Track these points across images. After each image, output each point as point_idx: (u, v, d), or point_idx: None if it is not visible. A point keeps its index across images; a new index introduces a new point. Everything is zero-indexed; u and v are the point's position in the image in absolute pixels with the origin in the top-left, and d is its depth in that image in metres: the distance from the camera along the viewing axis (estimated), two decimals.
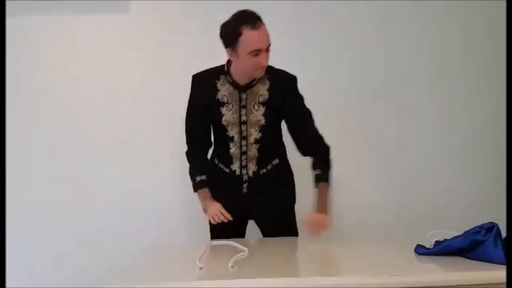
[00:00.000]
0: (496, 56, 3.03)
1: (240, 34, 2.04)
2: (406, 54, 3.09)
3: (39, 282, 2.88)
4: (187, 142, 2.37)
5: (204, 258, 1.78)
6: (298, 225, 2.36)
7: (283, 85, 2.25)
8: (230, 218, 2.23)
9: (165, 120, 2.97)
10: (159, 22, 2.97)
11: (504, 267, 1.55)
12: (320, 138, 2.30)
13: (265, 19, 2.15)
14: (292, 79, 2.28)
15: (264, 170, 2.32)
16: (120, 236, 2.94)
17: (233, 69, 2.21)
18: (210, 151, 2.45)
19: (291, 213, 2.40)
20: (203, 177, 2.33)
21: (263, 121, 2.24)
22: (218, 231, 2.32)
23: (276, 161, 2.36)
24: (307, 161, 2.32)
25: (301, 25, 2.97)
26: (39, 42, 2.94)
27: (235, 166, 2.30)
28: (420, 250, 1.79)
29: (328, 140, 2.32)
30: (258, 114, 2.23)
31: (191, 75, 2.28)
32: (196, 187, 2.34)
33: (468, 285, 1.52)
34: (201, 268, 1.65)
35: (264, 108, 2.23)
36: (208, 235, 2.40)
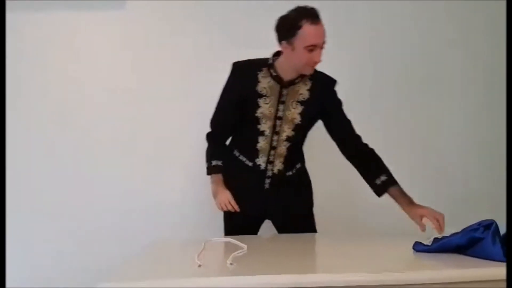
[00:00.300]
0: (496, 56, 3.03)
1: (299, 28, 2.04)
2: (405, 54, 3.10)
3: (39, 282, 2.88)
4: (212, 125, 2.36)
5: (203, 255, 1.77)
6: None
7: (323, 88, 2.26)
8: (238, 209, 2.24)
9: (165, 120, 2.98)
10: (159, 22, 2.98)
11: (502, 264, 1.54)
12: (361, 139, 2.30)
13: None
14: (333, 83, 2.29)
15: (290, 173, 2.33)
16: (120, 236, 2.94)
17: (281, 63, 2.19)
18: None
19: (310, 215, 2.40)
20: (219, 163, 2.31)
21: (298, 119, 2.24)
22: (232, 226, 2.33)
23: (299, 165, 2.37)
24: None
25: None
26: (39, 42, 2.95)
27: (261, 161, 2.28)
28: (418, 247, 1.78)
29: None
30: (294, 112, 2.23)
31: (232, 63, 2.25)
32: (211, 171, 2.32)
33: (466, 282, 1.52)
34: (199, 265, 1.65)
35: (302, 107, 2.23)
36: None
